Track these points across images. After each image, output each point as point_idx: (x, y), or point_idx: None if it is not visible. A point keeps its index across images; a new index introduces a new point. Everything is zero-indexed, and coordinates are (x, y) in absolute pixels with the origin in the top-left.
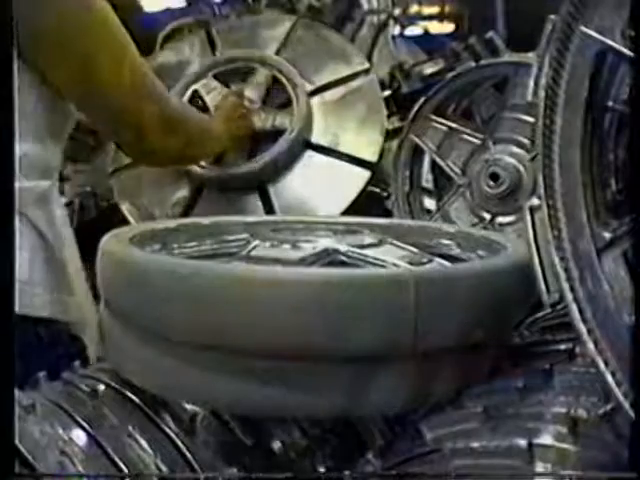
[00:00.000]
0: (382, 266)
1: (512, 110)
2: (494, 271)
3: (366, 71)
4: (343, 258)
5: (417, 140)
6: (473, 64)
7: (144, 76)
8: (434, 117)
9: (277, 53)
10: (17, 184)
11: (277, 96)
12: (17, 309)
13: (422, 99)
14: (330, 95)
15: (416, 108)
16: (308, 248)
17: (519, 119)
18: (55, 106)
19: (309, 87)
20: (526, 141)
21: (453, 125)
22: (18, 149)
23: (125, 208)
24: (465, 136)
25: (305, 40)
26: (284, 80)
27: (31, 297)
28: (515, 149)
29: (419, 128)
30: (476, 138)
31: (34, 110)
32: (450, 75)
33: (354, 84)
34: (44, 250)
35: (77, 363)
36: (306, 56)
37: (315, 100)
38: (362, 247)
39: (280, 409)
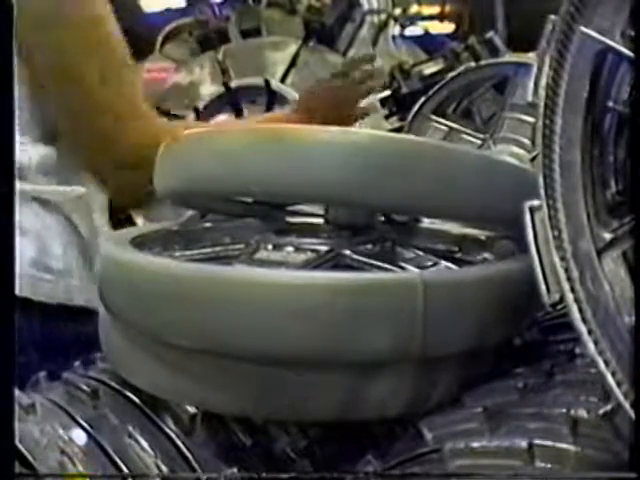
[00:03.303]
0: (388, 270)
1: (512, 110)
2: (505, 274)
3: None
4: (348, 261)
5: None
6: (473, 64)
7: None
8: (434, 117)
9: (284, 76)
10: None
11: None
12: (52, 299)
13: (422, 99)
14: None
15: (416, 108)
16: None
17: (519, 119)
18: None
19: None
20: (527, 141)
21: (453, 125)
22: (38, 150)
23: (140, 223)
24: (465, 136)
25: (310, 63)
26: None
27: (66, 288)
28: (515, 149)
29: (419, 128)
30: (476, 138)
31: (36, 108)
32: (450, 75)
33: None
34: (79, 244)
35: (77, 363)
36: (311, 79)
37: None
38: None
39: (280, 413)
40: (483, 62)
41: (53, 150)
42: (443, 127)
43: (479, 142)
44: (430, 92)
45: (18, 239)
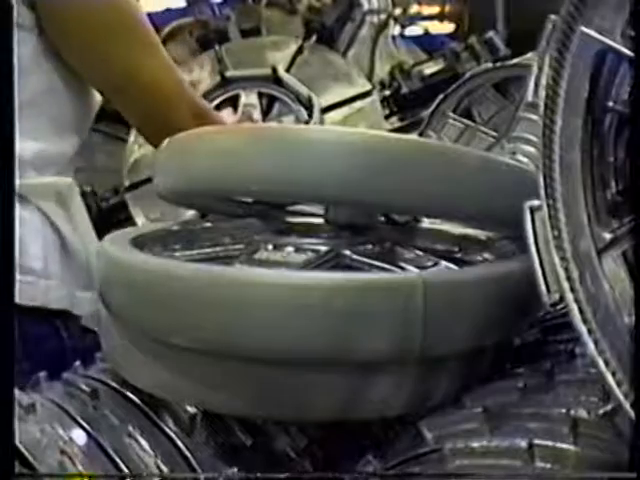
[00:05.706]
0: (388, 270)
1: (527, 109)
2: (505, 274)
3: (368, 92)
4: (348, 262)
5: (434, 136)
6: (490, 64)
7: (176, 77)
8: (451, 114)
9: None
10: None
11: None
12: (31, 302)
13: (441, 96)
14: (334, 115)
15: (435, 105)
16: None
17: (534, 119)
18: (79, 97)
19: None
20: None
21: (469, 123)
22: (34, 146)
23: (140, 223)
24: (480, 133)
25: (311, 63)
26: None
27: (46, 290)
28: (528, 148)
29: (436, 124)
30: (490, 136)
31: (54, 102)
32: (469, 74)
33: (357, 105)
34: (60, 245)
35: (78, 363)
36: (311, 78)
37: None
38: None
39: (280, 413)
40: (499, 63)
41: (49, 145)
42: (459, 124)
43: (493, 140)
44: (449, 90)
45: None
